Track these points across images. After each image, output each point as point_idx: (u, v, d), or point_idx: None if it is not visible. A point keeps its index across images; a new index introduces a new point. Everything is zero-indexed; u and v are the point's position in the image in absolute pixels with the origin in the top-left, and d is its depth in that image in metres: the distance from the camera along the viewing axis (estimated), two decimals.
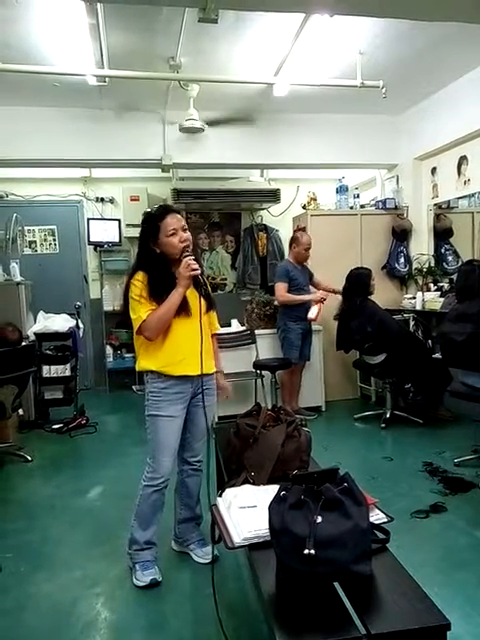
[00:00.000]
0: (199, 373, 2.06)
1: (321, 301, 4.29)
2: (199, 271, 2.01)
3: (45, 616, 2.01)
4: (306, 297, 4.36)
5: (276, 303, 4.61)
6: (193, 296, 2.09)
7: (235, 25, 3.29)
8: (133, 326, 2.08)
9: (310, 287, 4.56)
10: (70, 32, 3.28)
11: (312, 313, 4.29)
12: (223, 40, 3.49)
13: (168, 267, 2.09)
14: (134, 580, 2.18)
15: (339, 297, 4.37)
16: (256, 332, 4.61)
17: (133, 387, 5.79)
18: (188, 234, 2.10)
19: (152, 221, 2.10)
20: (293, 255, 4.48)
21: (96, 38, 3.31)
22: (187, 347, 2.08)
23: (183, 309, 2.06)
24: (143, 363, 2.14)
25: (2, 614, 2.03)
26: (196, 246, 6.12)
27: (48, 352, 4.72)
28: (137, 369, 2.18)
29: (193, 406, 2.21)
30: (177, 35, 3.33)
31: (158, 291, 2.04)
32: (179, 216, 2.11)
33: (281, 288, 4.35)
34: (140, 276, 2.07)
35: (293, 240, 4.50)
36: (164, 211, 2.11)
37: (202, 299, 2.07)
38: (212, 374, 2.26)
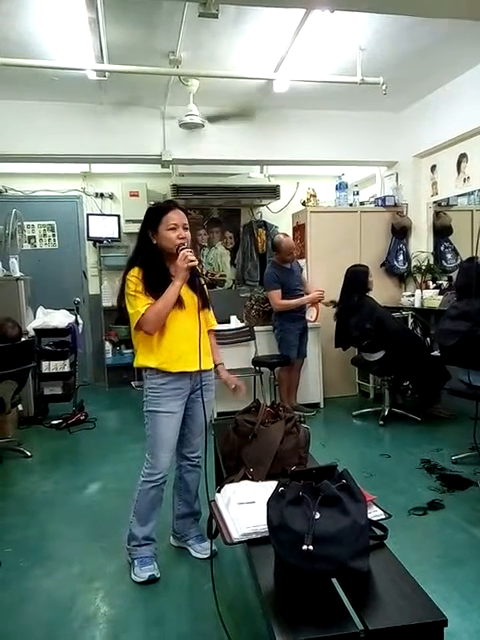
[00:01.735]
0: (197, 369, 2.07)
1: (318, 301, 4.29)
2: (196, 262, 2.02)
3: (44, 611, 2.02)
4: (304, 300, 4.37)
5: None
6: (188, 294, 2.10)
7: (236, 20, 3.28)
8: (131, 321, 2.09)
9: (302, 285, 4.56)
10: (69, 26, 3.26)
11: (311, 315, 4.31)
12: (223, 35, 3.48)
13: (163, 261, 2.12)
14: (132, 576, 2.18)
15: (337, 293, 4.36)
16: (255, 329, 4.61)
17: (132, 383, 5.80)
18: (188, 233, 2.13)
19: (156, 212, 2.13)
20: (277, 258, 4.47)
21: (96, 32, 3.29)
22: (184, 344, 2.08)
23: (178, 305, 2.06)
24: (141, 360, 2.15)
25: (1, 609, 2.04)
26: (195, 243, 6.12)
27: (47, 348, 4.73)
28: (135, 365, 2.20)
29: (192, 402, 2.21)
30: (177, 30, 3.32)
31: (154, 285, 2.05)
32: (183, 214, 2.14)
33: (275, 296, 4.32)
34: (135, 271, 2.08)
35: (274, 246, 4.48)
36: (170, 205, 2.15)
37: (197, 296, 2.08)
38: (211, 370, 2.27)
